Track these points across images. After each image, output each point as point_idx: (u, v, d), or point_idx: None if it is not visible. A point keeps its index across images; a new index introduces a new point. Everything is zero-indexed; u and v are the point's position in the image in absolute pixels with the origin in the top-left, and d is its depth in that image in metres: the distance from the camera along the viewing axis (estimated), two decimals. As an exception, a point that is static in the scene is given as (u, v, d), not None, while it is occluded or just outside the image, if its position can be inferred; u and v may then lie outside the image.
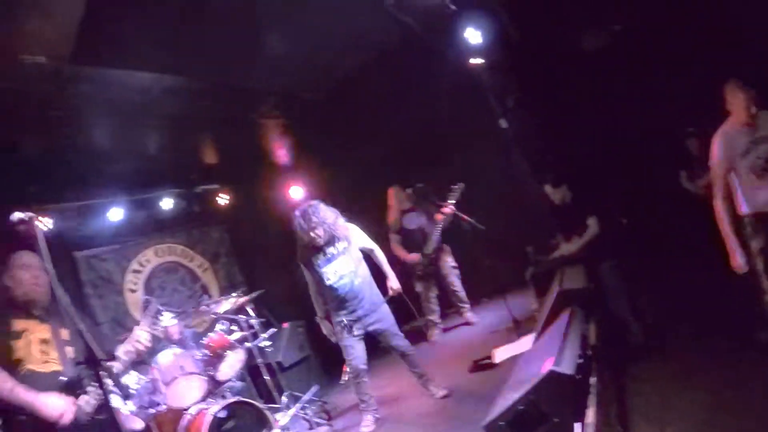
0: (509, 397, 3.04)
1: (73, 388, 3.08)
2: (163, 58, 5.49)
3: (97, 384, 2.82)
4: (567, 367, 2.96)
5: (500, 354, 5.46)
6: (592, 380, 3.20)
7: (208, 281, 8.69)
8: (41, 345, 3.17)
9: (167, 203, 8.20)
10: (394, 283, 5.27)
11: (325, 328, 5.28)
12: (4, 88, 4.96)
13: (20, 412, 2.91)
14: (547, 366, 2.93)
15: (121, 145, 6.81)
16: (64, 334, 3.30)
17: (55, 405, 2.94)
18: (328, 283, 4.97)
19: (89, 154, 6.53)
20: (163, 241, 8.34)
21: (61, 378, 3.09)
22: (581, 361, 3.19)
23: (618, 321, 5.11)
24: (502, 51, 7.11)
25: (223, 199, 8.95)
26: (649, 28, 6.12)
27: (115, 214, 7.58)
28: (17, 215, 2.74)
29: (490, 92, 7.33)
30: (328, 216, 4.99)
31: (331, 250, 5.04)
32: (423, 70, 7.31)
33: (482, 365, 5.45)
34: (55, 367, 3.15)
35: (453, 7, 6.07)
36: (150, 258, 8.08)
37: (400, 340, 5.13)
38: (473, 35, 6.60)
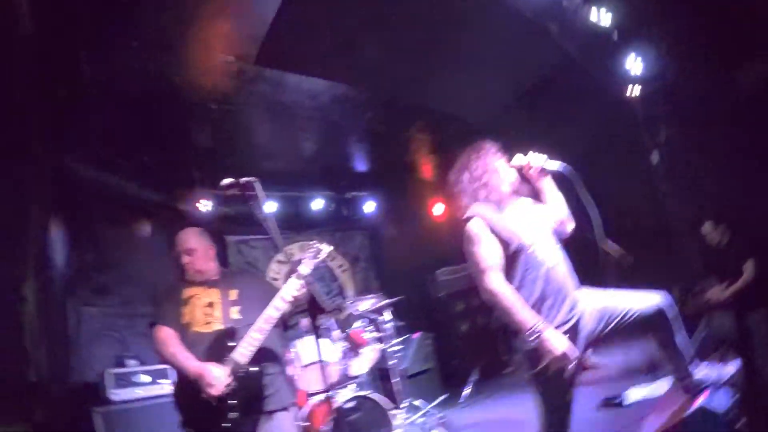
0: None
1: (225, 341, 3.20)
2: (337, 67, 5.85)
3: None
4: (719, 406, 2.80)
5: (633, 395, 5.24)
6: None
7: (345, 282, 9.08)
8: (206, 308, 3.41)
9: (317, 204, 8.66)
10: None
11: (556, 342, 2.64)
12: (193, 81, 5.48)
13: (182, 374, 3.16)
14: (697, 402, 2.79)
15: (283, 144, 7.31)
16: (233, 295, 3.49)
17: (203, 374, 3.05)
18: (541, 264, 2.84)
19: (253, 148, 7.03)
20: (309, 238, 8.78)
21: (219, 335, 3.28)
22: (733, 401, 2.98)
23: (762, 379, 4.77)
24: (660, 83, 6.92)
25: (369, 207, 9.30)
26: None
27: (269, 207, 8.12)
28: (229, 180, 3.09)
29: (643, 124, 7.13)
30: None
31: (522, 202, 3.16)
32: (578, 99, 7.24)
33: (612, 404, 5.14)
34: (217, 326, 3.34)
35: (615, 38, 5.99)
36: (295, 252, 8.55)
37: None
38: (633, 64, 6.50)
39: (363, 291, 8.75)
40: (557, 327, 2.74)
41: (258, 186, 3.09)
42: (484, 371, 7.77)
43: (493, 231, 2.88)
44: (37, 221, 5.27)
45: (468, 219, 2.96)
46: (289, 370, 5.40)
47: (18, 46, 4.09)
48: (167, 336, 3.28)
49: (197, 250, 3.57)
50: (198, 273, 3.55)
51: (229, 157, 6.84)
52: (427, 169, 9.04)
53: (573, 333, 2.79)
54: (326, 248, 3.55)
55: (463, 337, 8.73)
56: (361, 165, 8.70)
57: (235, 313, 3.42)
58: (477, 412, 6.78)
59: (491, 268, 2.80)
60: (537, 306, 2.79)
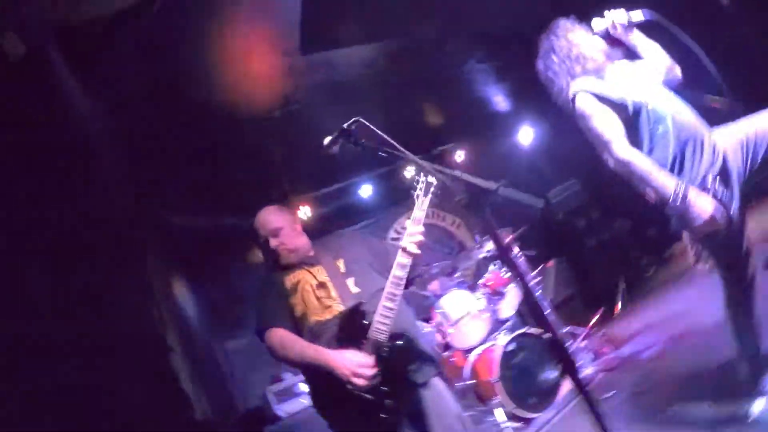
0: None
1: (355, 322, 2.75)
2: (380, 24, 5.60)
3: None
4: None
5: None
6: None
7: (463, 236, 8.97)
8: (318, 291, 2.95)
9: (409, 171, 8.52)
10: None
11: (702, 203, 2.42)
12: (249, 99, 5.43)
13: (319, 372, 2.69)
14: None
15: (356, 124, 7.15)
16: (341, 266, 3.04)
17: (341, 361, 2.61)
18: (665, 116, 2.62)
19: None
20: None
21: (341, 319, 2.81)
22: None
23: None
24: None
25: (459, 157, 9.06)
26: None
27: (366, 190, 8.12)
28: (329, 137, 2.62)
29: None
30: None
31: (621, 64, 2.93)
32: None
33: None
34: (339, 307, 2.87)
35: None
36: (405, 224, 8.47)
37: None
38: None
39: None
40: (706, 174, 2.54)
41: (363, 122, 2.62)
42: (627, 279, 7.46)
43: (603, 100, 2.71)
44: (164, 278, 5.48)
45: (574, 98, 2.80)
46: (439, 331, 5.38)
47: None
48: (283, 336, 2.84)
49: (283, 227, 3.09)
50: (292, 253, 3.08)
51: (308, 156, 6.81)
52: (501, 98, 8.71)
53: (724, 175, 2.57)
54: (430, 179, 2.93)
55: (594, 251, 8.42)
56: (436, 118, 8.44)
57: (352, 285, 2.96)
58: (636, 319, 6.48)
59: (616, 137, 2.64)
60: (680, 157, 2.59)
